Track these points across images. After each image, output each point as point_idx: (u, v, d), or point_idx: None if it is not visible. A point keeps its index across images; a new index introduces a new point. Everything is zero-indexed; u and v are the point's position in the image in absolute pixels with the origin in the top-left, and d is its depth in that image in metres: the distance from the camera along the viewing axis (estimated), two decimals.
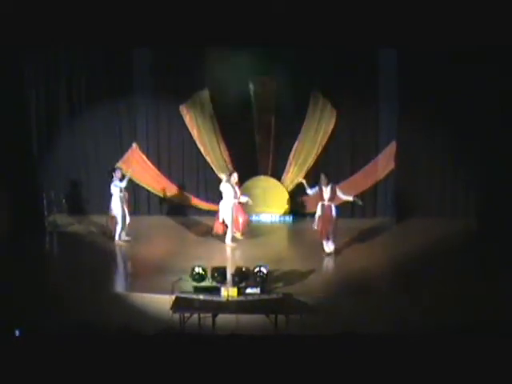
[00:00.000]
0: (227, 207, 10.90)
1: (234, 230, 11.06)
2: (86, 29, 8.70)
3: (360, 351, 5.20)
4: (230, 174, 11.18)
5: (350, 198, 10.62)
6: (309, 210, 12.46)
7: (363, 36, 8.91)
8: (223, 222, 10.99)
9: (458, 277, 9.21)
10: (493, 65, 10.54)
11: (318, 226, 10.39)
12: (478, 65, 10.97)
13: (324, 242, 10.39)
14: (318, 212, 10.35)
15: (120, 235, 11.03)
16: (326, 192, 10.26)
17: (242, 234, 11.31)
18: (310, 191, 10.47)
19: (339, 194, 10.42)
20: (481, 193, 11.92)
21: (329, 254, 10.35)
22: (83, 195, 13.00)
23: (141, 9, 8.39)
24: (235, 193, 10.99)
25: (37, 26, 8.62)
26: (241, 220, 11.18)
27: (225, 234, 10.97)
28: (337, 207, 10.42)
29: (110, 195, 10.98)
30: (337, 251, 10.44)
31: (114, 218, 11.02)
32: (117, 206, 10.92)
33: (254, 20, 8.54)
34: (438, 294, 8.50)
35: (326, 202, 10.28)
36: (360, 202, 10.72)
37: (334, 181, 10.56)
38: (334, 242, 10.41)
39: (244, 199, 11.18)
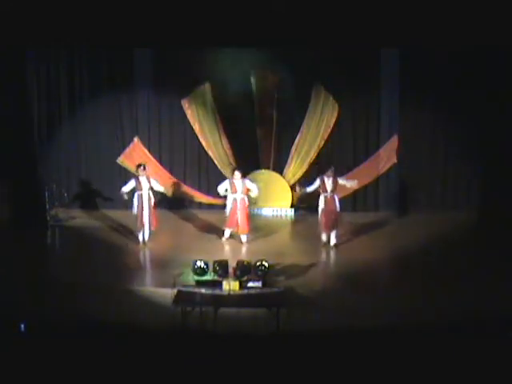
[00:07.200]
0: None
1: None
2: (86, 29, 8.72)
3: (361, 345, 5.20)
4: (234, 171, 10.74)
5: (354, 183, 10.88)
6: (310, 203, 12.46)
7: (364, 37, 8.92)
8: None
9: (460, 270, 9.20)
10: (493, 56, 10.53)
11: (321, 219, 10.35)
12: (479, 56, 10.97)
13: (324, 234, 10.39)
14: (322, 205, 10.33)
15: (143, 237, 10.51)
16: (329, 184, 10.26)
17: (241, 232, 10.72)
18: (309, 188, 10.48)
19: (342, 181, 10.44)
20: (483, 186, 11.90)
21: (325, 246, 10.36)
22: (84, 189, 12.98)
23: (141, 10, 8.41)
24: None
25: (37, 25, 8.63)
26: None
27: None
28: (340, 200, 10.43)
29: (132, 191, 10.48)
30: (339, 245, 10.43)
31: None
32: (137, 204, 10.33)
33: (255, 21, 8.53)
34: (440, 288, 8.49)
35: (328, 194, 10.28)
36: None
37: (337, 174, 10.57)
38: (337, 235, 10.42)
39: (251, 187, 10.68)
